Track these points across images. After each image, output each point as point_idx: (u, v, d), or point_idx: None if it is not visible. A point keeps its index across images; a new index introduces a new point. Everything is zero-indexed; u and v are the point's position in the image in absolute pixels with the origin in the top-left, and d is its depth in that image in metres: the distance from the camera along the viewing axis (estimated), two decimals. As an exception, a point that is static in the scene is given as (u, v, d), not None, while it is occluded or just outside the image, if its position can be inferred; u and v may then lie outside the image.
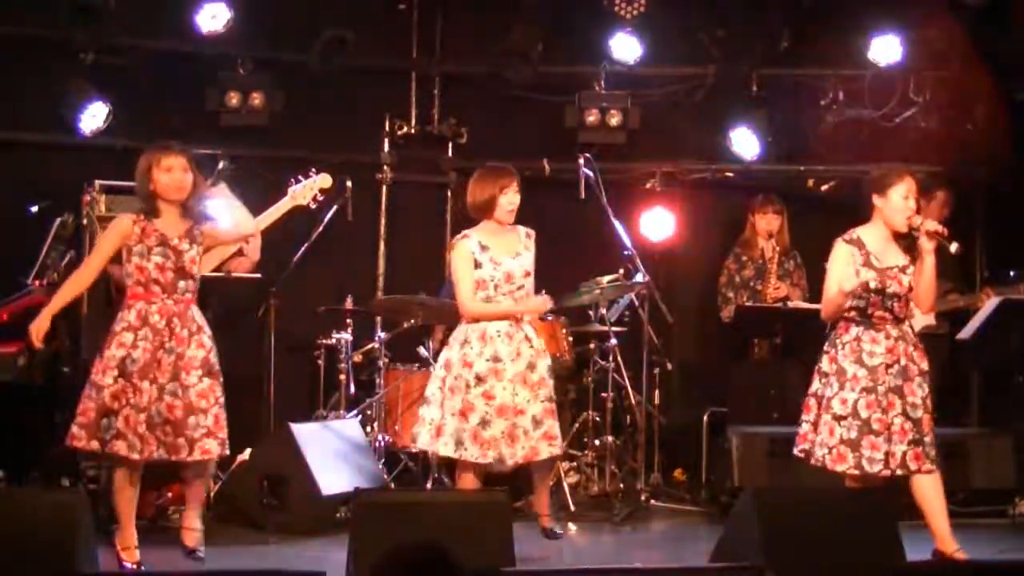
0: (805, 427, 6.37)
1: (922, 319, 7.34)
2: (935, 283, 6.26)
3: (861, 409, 6.18)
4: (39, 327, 6.22)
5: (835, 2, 9.12)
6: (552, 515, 6.83)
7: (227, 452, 6.34)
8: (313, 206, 7.20)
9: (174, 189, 6.24)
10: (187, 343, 6.20)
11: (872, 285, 6.24)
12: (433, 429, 6.49)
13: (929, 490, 6.26)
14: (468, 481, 6.56)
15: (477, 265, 6.54)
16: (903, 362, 6.22)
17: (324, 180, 7.11)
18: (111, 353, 6.13)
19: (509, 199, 6.57)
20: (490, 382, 6.45)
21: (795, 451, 6.42)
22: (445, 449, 6.49)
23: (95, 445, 6.11)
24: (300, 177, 7.20)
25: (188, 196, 6.27)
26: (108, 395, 6.08)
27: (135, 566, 6.18)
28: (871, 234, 6.33)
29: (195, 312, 6.29)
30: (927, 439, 6.20)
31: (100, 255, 6.32)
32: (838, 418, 6.21)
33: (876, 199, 6.30)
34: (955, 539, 6.24)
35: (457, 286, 6.63)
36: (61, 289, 6.40)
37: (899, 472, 6.19)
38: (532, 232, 6.72)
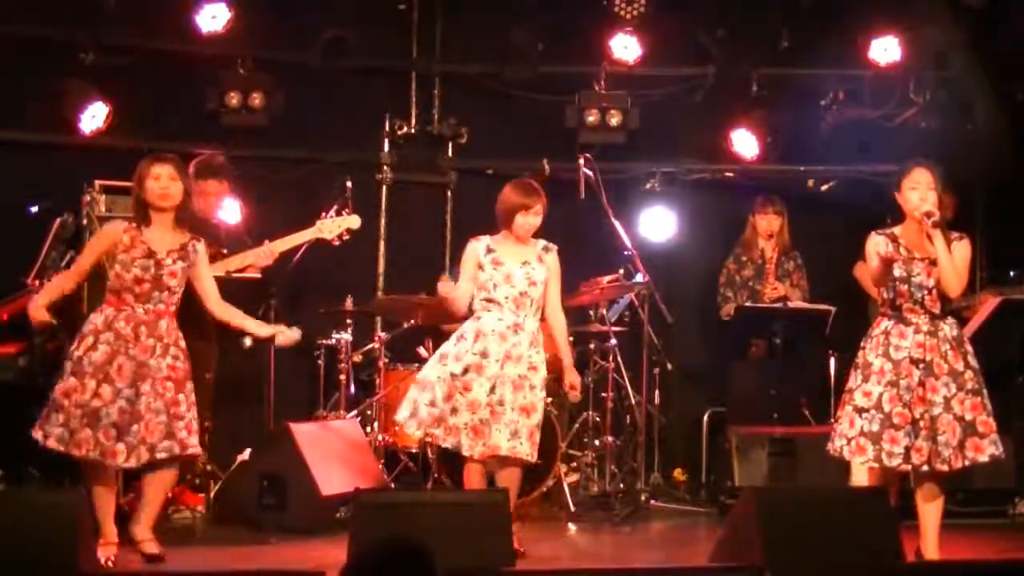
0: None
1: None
2: (956, 267, 6.18)
3: (885, 403, 6.17)
4: (38, 317, 6.33)
5: (835, 2, 9.12)
6: None
7: (156, 457, 6.20)
8: (336, 243, 7.31)
9: (159, 196, 6.30)
10: (151, 352, 6.23)
11: (897, 273, 6.24)
12: (410, 408, 6.61)
13: (929, 492, 6.29)
14: (474, 477, 6.61)
15: (480, 267, 6.65)
16: (929, 358, 6.19)
17: (353, 221, 7.23)
18: (73, 353, 6.24)
19: (527, 220, 6.66)
20: (471, 375, 6.55)
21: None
22: (410, 428, 6.65)
23: (38, 435, 6.21)
24: (332, 213, 7.33)
25: (178, 205, 6.33)
26: (59, 392, 6.19)
27: (107, 560, 6.20)
28: (904, 228, 6.35)
29: (167, 323, 6.31)
30: (941, 439, 6.14)
31: (87, 258, 6.41)
32: (860, 410, 6.21)
33: (897, 196, 6.32)
34: (940, 548, 6.27)
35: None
36: (48, 284, 6.51)
37: (924, 469, 6.17)
38: (553, 247, 6.78)
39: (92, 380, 6.16)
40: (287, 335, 6.50)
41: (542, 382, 6.67)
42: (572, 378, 6.75)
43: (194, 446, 6.33)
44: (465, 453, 6.55)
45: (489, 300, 6.63)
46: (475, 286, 6.68)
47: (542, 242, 6.78)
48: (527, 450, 6.56)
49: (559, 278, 6.79)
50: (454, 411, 6.54)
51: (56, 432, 6.16)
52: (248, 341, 7.40)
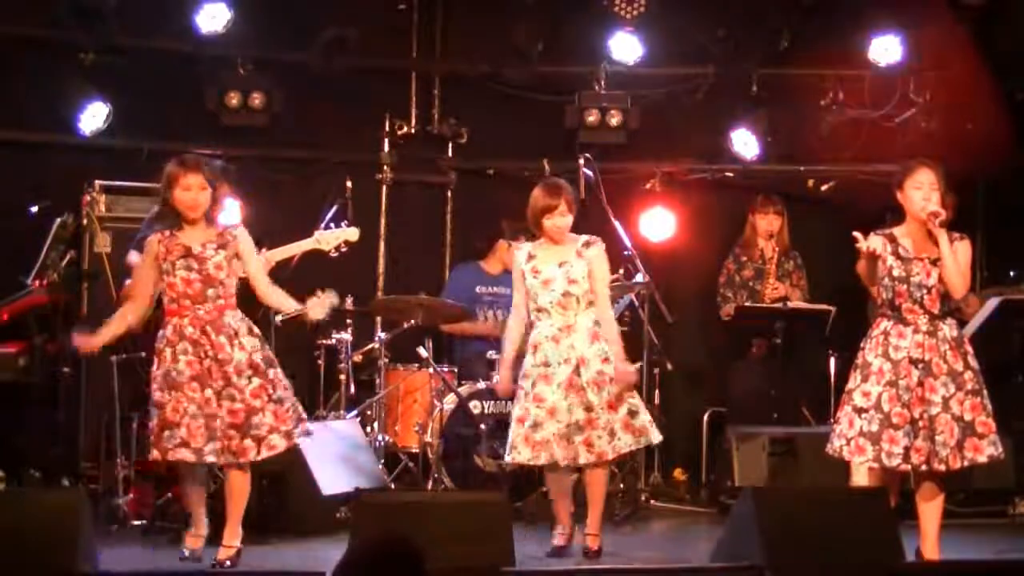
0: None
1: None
2: (960, 266, 6.18)
3: (884, 403, 6.15)
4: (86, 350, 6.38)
5: (835, 2, 9.12)
6: (598, 535, 6.75)
7: (295, 441, 6.30)
8: (334, 255, 7.29)
9: (188, 207, 6.18)
10: (226, 348, 6.16)
11: (896, 272, 6.24)
12: (511, 443, 6.63)
13: (928, 492, 6.29)
14: (557, 486, 6.74)
15: (524, 276, 6.69)
16: (928, 358, 6.18)
17: (351, 233, 7.24)
18: (156, 372, 6.18)
19: (555, 222, 6.64)
20: (540, 386, 6.55)
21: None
22: (510, 456, 6.64)
23: (156, 454, 6.17)
24: (331, 222, 7.33)
25: (209, 211, 6.24)
26: (170, 409, 6.11)
27: (190, 553, 6.27)
28: (903, 229, 6.33)
29: (231, 317, 6.22)
30: (939, 439, 6.13)
31: (144, 283, 6.27)
32: (859, 410, 6.19)
33: (899, 195, 6.31)
34: (940, 548, 6.27)
35: None
36: (113, 320, 6.29)
37: (923, 469, 6.16)
38: (595, 240, 6.74)
39: (202, 389, 6.11)
40: (320, 305, 6.39)
41: (596, 377, 6.60)
42: (619, 369, 6.65)
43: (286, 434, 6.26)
44: (562, 463, 6.57)
45: (539, 309, 6.66)
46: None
47: (584, 237, 6.74)
48: (628, 442, 6.62)
49: (605, 272, 6.75)
50: (536, 426, 6.53)
51: (180, 446, 6.09)
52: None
